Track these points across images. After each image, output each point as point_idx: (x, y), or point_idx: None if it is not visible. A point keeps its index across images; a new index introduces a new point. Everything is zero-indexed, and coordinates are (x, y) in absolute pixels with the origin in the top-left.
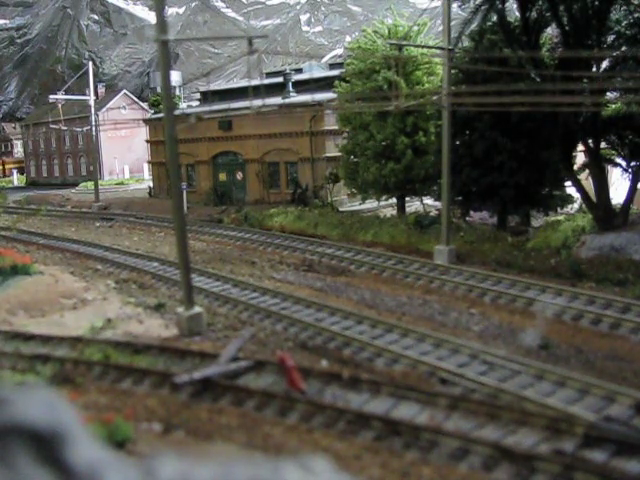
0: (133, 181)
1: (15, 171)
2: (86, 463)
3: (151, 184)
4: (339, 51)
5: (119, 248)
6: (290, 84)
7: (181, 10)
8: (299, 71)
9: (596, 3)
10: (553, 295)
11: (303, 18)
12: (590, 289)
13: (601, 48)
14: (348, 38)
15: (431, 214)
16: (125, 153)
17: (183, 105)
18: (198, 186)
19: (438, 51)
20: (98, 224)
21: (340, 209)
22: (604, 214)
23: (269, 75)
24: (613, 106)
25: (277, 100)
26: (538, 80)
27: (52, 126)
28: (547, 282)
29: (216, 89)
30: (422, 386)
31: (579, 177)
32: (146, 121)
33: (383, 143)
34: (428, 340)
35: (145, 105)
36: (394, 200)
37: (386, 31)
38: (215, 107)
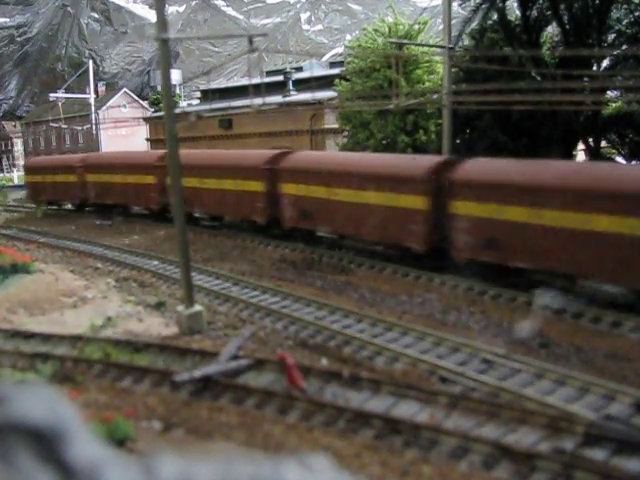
0: None
1: (15, 169)
2: (86, 461)
3: None
4: (339, 50)
5: (119, 246)
6: (290, 83)
7: (181, 8)
8: (299, 70)
9: (597, 2)
10: (554, 293)
11: (303, 16)
12: (590, 287)
13: (602, 47)
14: (348, 37)
15: None
16: None
17: (183, 104)
18: None
19: (439, 50)
20: (98, 222)
21: None
22: None
23: (269, 74)
24: (613, 105)
25: (277, 99)
26: (539, 79)
27: (52, 124)
28: (547, 279)
29: (216, 88)
30: (422, 385)
31: None
32: (146, 119)
33: (383, 142)
34: (428, 338)
35: (145, 104)
36: None
37: (387, 29)
38: (215, 106)
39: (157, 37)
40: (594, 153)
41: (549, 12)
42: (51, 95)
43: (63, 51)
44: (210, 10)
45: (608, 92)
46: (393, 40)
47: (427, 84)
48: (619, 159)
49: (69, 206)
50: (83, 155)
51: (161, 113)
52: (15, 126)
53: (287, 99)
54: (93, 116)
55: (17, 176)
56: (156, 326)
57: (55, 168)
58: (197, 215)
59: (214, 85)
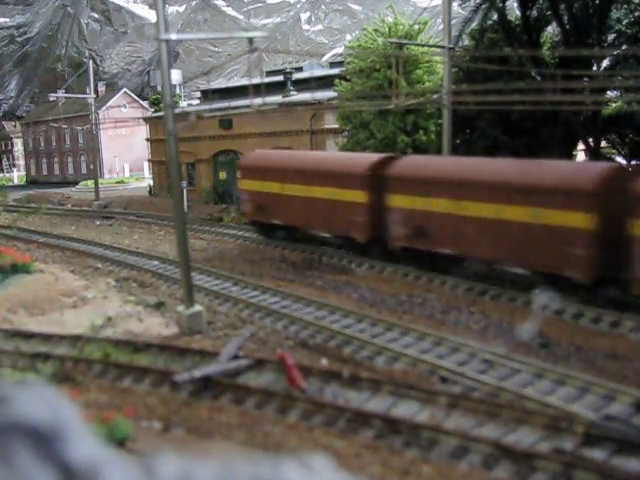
0: (133, 180)
1: (15, 169)
2: (86, 461)
3: (151, 183)
4: (339, 50)
5: (119, 246)
6: (290, 83)
7: (181, 8)
8: (299, 70)
9: (597, 2)
10: (553, 293)
11: (303, 17)
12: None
13: (602, 47)
14: (348, 37)
15: None
16: (125, 152)
17: (183, 104)
18: (198, 185)
19: (439, 50)
20: (98, 222)
21: None
22: None
23: (269, 74)
24: (613, 105)
25: (277, 99)
26: (538, 79)
27: (52, 124)
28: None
29: (216, 88)
30: (422, 385)
31: None
32: (146, 119)
33: (383, 142)
34: (428, 338)
35: (145, 103)
36: None
37: (387, 29)
38: (215, 105)
39: (157, 37)
40: (594, 153)
41: (549, 12)
42: (51, 95)
43: (63, 51)
44: (210, 10)
45: (608, 92)
46: (393, 40)
47: (427, 84)
48: (619, 159)
49: (69, 206)
50: (376, 157)
51: (161, 113)
52: (15, 126)
53: (287, 99)
54: (93, 116)
55: (17, 176)
56: (156, 326)
57: (308, 174)
58: None
59: (214, 85)
